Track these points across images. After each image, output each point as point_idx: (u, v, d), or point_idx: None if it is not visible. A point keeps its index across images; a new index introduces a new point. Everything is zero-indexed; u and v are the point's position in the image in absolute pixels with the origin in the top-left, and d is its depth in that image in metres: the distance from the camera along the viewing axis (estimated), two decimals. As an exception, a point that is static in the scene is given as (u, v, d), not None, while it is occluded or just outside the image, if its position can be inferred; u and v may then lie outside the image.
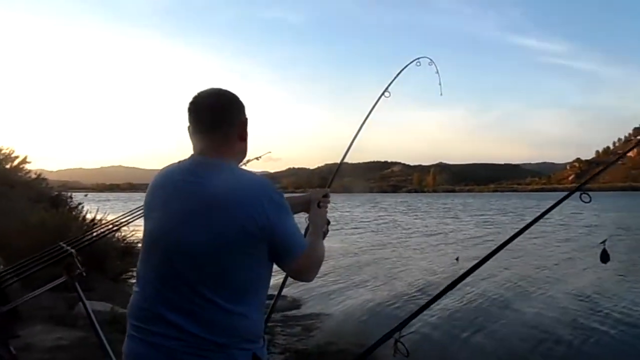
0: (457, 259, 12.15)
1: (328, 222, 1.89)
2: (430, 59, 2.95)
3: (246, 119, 1.55)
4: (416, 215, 36.03)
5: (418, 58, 2.92)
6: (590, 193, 1.67)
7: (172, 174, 1.50)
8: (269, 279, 1.50)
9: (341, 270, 10.70)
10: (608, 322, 6.42)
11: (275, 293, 2.31)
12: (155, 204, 1.50)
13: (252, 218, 1.36)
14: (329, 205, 1.91)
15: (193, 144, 1.50)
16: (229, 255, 1.38)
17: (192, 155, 1.49)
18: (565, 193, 1.80)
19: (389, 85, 2.74)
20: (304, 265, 1.50)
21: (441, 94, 3.09)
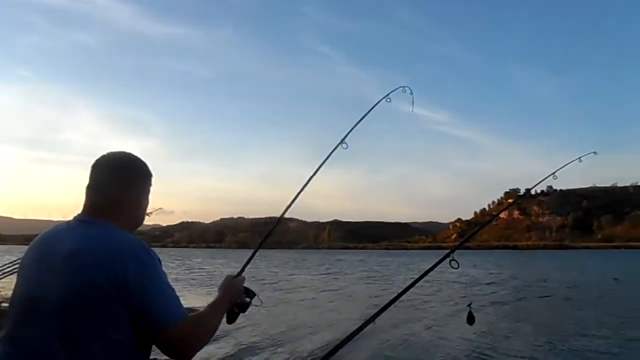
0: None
1: (251, 294, 1.72)
2: (407, 87, 2.97)
3: (147, 187, 1.49)
4: (309, 271, 36.23)
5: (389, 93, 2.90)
6: (467, 251, 1.91)
7: (49, 232, 1.45)
8: (140, 351, 1.34)
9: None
10: None
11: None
12: (25, 261, 1.44)
13: (106, 275, 1.26)
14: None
15: (84, 202, 1.45)
16: (79, 316, 1.27)
17: (77, 214, 1.44)
18: (445, 252, 2.04)
19: (347, 135, 2.67)
20: (175, 341, 1.32)
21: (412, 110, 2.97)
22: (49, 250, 1.37)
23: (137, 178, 1.48)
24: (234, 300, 1.64)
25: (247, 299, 1.71)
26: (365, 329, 1.82)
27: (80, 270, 1.28)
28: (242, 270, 2.03)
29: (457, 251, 2.20)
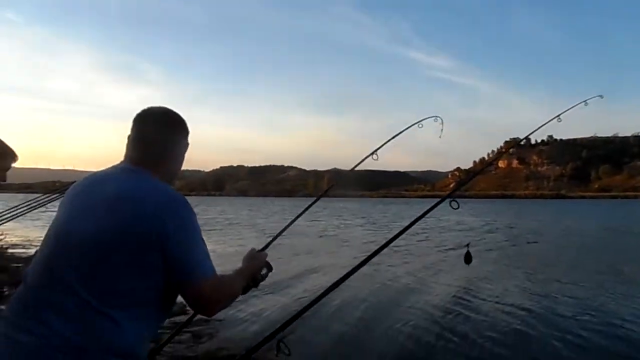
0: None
1: (269, 269, 1.75)
2: (438, 117, 3.22)
3: (186, 144, 1.56)
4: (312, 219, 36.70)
5: (421, 120, 3.19)
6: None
7: (94, 175, 1.51)
8: (163, 300, 1.38)
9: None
10: (469, 316, 7.14)
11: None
12: (64, 203, 1.48)
13: (147, 221, 1.31)
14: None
15: (125, 152, 1.50)
16: (114, 254, 1.31)
17: (120, 162, 1.49)
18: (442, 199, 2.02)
19: (378, 149, 2.85)
20: (205, 294, 1.36)
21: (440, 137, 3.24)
22: (92, 192, 1.42)
23: (177, 133, 1.53)
24: (255, 273, 1.70)
25: (264, 273, 1.75)
26: (362, 269, 1.81)
27: (121, 213, 1.32)
28: (268, 245, 2.13)
29: (448, 199, 2.19)
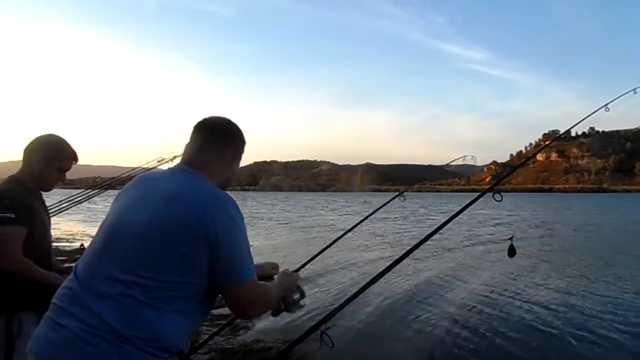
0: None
1: (302, 294, 1.77)
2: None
3: (241, 152, 1.64)
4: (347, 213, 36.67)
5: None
6: (503, 193, 1.84)
7: (151, 173, 1.62)
8: (203, 299, 1.42)
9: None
10: (513, 310, 7.00)
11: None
12: (120, 197, 1.55)
13: (200, 220, 1.35)
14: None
15: (182, 155, 1.58)
16: (163, 247, 1.35)
17: (177, 165, 1.58)
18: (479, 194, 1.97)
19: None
20: (245, 296, 1.42)
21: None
22: (148, 189, 1.49)
23: (232, 143, 1.60)
24: (287, 293, 1.73)
25: (296, 298, 1.76)
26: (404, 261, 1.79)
27: (175, 210, 1.37)
28: (304, 265, 2.17)
29: (490, 192, 2.12)
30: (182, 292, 1.37)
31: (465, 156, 3.13)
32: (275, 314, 1.75)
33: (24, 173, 2.34)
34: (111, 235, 1.43)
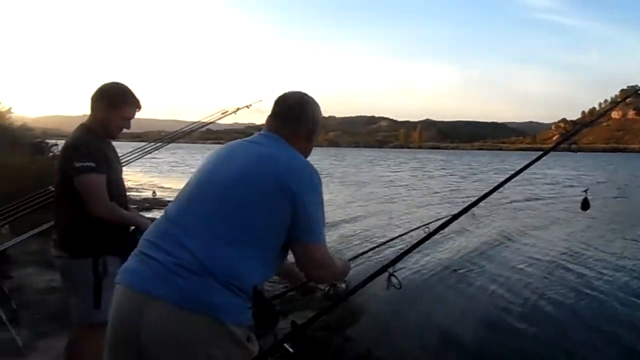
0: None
1: (347, 286, 1.88)
2: None
3: (316, 126, 1.74)
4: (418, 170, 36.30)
5: None
6: (571, 153, 1.75)
7: (239, 140, 1.73)
8: (280, 252, 1.54)
9: (338, 221, 10.71)
10: (585, 267, 6.99)
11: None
12: (212, 154, 1.70)
13: (287, 180, 1.49)
14: None
15: (265, 125, 1.71)
16: (252, 196, 1.48)
17: (261, 132, 1.70)
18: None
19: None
20: (313, 255, 1.54)
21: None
22: (239, 148, 1.64)
23: (309, 117, 1.71)
24: (339, 278, 1.82)
25: (343, 287, 1.85)
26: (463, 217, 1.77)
27: (268, 167, 1.51)
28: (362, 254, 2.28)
29: (559, 152, 2.05)
30: (264, 242, 1.49)
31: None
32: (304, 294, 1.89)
33: (93, 122, 2.44)
34: (202, 183, 1.58)
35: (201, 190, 1.56)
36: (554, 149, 1.84)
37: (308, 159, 1.67)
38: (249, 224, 1.46)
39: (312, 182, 1.55)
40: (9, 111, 12.49)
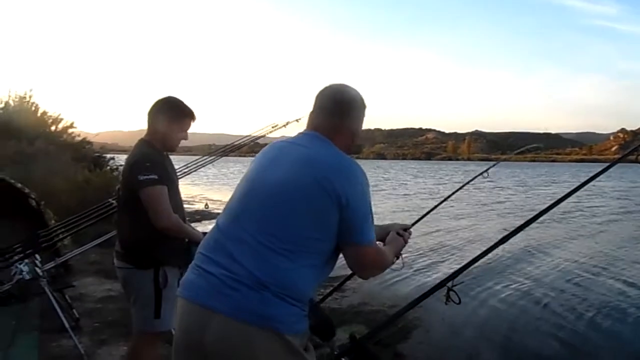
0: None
1: (399, 255, 1.87)
2: None
3: (361, 118, 1.69)
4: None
5: None
6: (633, 164, 1.67)
7: (281, 141, 1.70)
8: (331, 256, 1.53)
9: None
10: None
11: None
12: (257, 159, 1.67)
13: (334, 184, 1.45)
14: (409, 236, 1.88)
15: (308, 122, 1.67)
16: (299, 205, 1.46)
17: (305, 130, 1.66)
18: (603, 165, 1.80)
19: None
20: (364, 256, 1.53)
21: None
22: (284, 151, 1.60)
23: (353, 111, 1.66)
24: (397, 255, 1.82)
25: (396, 261, 1.84)
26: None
27: (313, 171, 1.47)
28: (417, 221, 2.26)
29: (618, 165, 1.96)
30: (314, 248, 1.48)
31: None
32: None
33: (152, 136, 2.52)
34: (249, 192, 1.57)
35: (248, 201, 1.55)
36: (621, 160, 1.76)
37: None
38: (297, 233, 1.45)
39: (357, 181, 1.50)
40: (71, 126, 13.12)
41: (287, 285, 1.43)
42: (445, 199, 2.70)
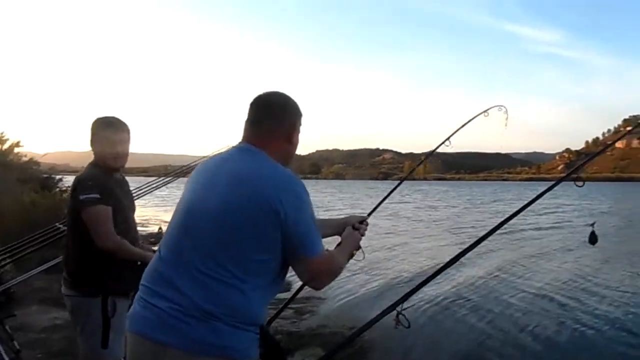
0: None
1: (358, 247, 1.84)
2: (503, 107, 2.83)
3: (297, 124, 1.60)
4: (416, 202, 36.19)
5: (487, 109, 2.82)
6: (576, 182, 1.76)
7: (216, 156, 1.64)
8: (279, 273, 1.48)
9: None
10: (592, 298, 6.92)
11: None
12: (191, 179, 1.61)
13: (269, 200, 1.39)
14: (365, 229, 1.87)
15: (243, 133, 1.59)
16: (238, 228, 1.40)
17: (238, 143, 1.59)
18: (550, 183, 1.89)
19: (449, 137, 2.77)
20: (314, 268, 1.48)
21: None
22: (216, 170, 1.53)
23: (283, 114, 1.58)
24: (352, 250, 1.79)
25: (356, 253, 1.84)
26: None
27: (243, 190, 1.41)
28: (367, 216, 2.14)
29: (565, 183, 2.01)
30: (262, 270, 1.43)
31: (490, 108, 2.77)
32: None
33: (95, 157, 2.47)
34: (187, 219, 1.50)
35: (187, 230, 1.47)
36: (564, 180, 1.84)
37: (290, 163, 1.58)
38: (242, 259, 1.40)
39: (296, 194, 1.44)
40: (17, 145, 12.49)
41: (238, 312, 1.39)
42: (382, 200, 2.62)
